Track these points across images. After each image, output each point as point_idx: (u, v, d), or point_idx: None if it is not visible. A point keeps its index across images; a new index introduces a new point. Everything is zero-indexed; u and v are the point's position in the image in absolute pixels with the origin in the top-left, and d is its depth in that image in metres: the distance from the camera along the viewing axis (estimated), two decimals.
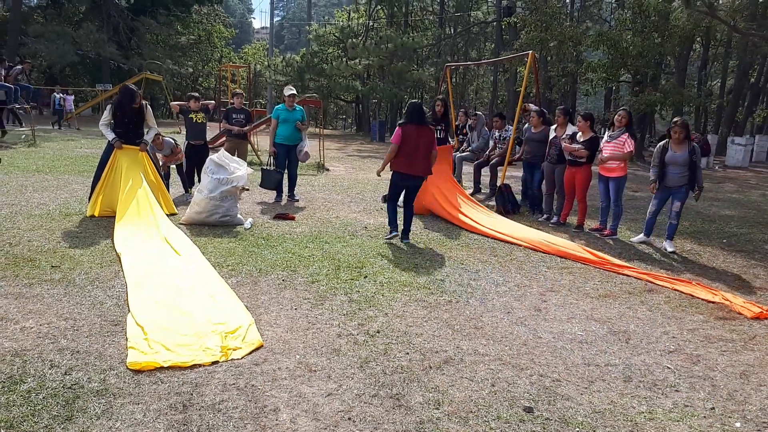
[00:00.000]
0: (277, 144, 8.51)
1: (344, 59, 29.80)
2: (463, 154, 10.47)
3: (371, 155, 19.26)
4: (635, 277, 5.49)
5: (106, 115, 6.89)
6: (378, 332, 3.84)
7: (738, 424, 2.90)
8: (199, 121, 8.49)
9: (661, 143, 6.83)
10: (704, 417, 2.95)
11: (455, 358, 3.49)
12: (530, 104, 9.53)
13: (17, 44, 28.91)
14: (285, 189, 8.79)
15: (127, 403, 2.79)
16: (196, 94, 8.79)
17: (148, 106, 7.19)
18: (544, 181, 8.36)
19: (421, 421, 2.76)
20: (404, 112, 7.08)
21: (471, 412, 2.88)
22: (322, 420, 2.73)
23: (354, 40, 31.56)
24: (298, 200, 8.78)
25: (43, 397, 2.77)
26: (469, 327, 4.04)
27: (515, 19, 24.76)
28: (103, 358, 3.23)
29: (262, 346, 3.52)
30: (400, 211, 6.72)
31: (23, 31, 29.88)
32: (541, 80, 27.24)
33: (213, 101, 11.22)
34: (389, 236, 6.59)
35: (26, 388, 2.84)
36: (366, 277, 5.07)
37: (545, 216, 8.27)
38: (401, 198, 6.68)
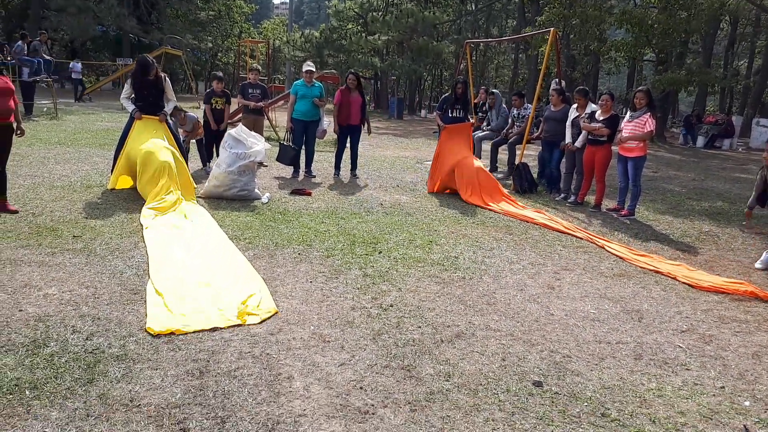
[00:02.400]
0: (295, 120, 8.53)
1: (364, 34, 29.58)
2: (483, 133, 10.41)
3: (388, 132, 19.20)
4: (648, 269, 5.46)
5: (126, 88, 6.94)
6: (391, 306, 3.89)
7: (747, 403, 2.91)
8: (219, 107, 8.59)
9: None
10: (713, 395, 2.97)
11: (467, 333, 3.53)
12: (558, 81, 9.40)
13: (39, 18, 29.09)
14: (302, 165, 8.84)
15: (146, 368, 2.87)
16: (220, 74, 8.88)
17: (167, 79, 7.23)
18: (563, 160, 8.30)
19: (431, 392, 2.81)
20: (344, 80, 9.24)
21: (481, 384, 2.92)
22: (335, 388, 2.79)
23: (375, 14, 31.25)
24: (315, 176, 8.82)
25: (66, 361, 2.87)
26: (482, 303, 4.07)
27: None
28: (123, 325, 3.32)
29: (277, 313, 3.60)
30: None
31: (45, 5, 30.05)
32: (564, 58, 26.84)
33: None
34: (334, 176, 9.00)
35: (49, 352, 2.94)
36: (380, 252, 5.12)
37: (563, 195, 8.22)
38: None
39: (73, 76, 23.32)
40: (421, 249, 5.31)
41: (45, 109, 15.94)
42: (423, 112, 34.83)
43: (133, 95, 6.90)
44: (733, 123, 20.69)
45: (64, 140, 10.86)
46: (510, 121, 9.98)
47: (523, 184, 8.61)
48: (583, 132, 7.65)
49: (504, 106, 10.53)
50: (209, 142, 8.75)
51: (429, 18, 28.29)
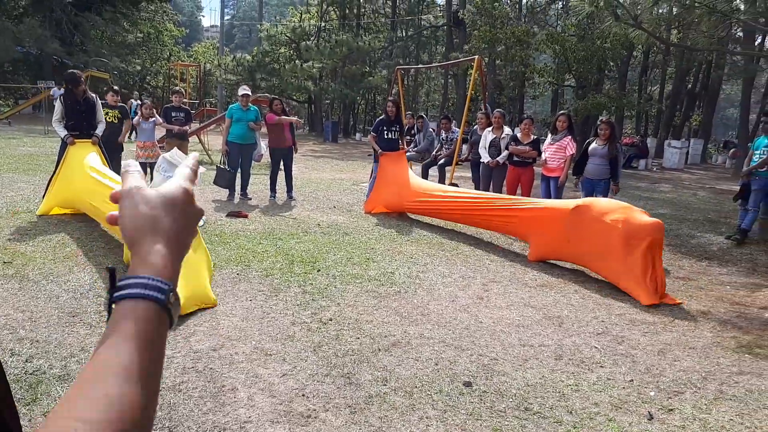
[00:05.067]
0: (231, 143, 8.60)
1: (297, 61, 29.83)
2: (408, 154, 10.71)
3: (324, 155, 19.41)
4: None
5: (57, 110, 6.84)
6: (330, 320, 4.06)
7: (652, 393, 3.25)
8: (109, 120, 7.85)
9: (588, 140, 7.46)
10: (623, 388, 3.30)
11: (402, 342, 3.75)
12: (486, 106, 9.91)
13: None
14: (238, 188, 8.89)
15: None
16: (116, 87, 8.42)
17: (98, 100, 7.18)
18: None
19: (369, 396, 3.00)
20: (270, 104, 9.12)
21: (416, 387, 3.13)
22: (278, 396, 2.93)
23: (307, 42, 31.60)
24: (251, 199, 8.89)
25: None
26: (417, 314, 4.30)
27: (463, 16, 25.31)
28: (63, 347, 3.33)
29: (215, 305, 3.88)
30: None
31: None
32: (490, 83, 27.96)
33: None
34: (270, 198, 9.06)
35: None
36: (319, 270, 5.28)
37: None
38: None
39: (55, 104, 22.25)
40: (359, 266, 5.50)
41: None
42: (358, 135, 35.26)
43: (64, 118, 6.81)
44: (648, 144, 22.13)
45: None
46: (439, 143, 10.40)
47: None
48: (504, 151, 8.12)
49: (431, 129, 10.95)
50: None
51: (363, 48, 28.88)
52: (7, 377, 2.43)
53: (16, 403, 2.47)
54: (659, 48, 29.87)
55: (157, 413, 2.63)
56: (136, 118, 8.86)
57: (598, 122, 7.41)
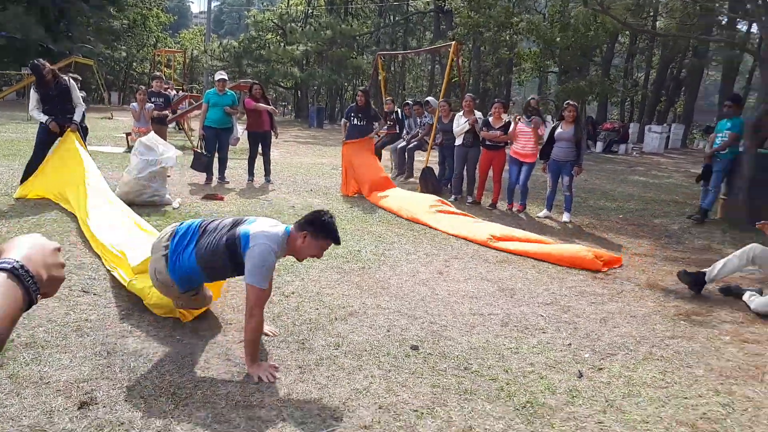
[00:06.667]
0: (207, 127, 8.73)
1: (282, 44, 29.84)
2: (410, 145, 10.76)
3: (308, 141, 19.53)
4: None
5: (32, 99, 6.92)
6: (292, 293, 4.26)
7: (587, 355, 3.48)
8: None
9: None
10: (560, 351, 3.52)
11: (359, 312, 3.96)
12: (429, 98, 10.22)
13: None
14: (216, 171, 9.04)
15: (55, 352, 3.10)
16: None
17: (73, 82, 7.24)
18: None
19: (320, 359, 3.20)
20: (249, 89, 9.23)
21: (365, 351, 3.34)
22: (233, 360, 3.13)
23: (293, 24, 31.59)
24: (228, 182, 9.04)
25: None
26: (377, 288, 4.51)
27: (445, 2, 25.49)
28: (31, 318, 3.50)
29: None
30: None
31: None
32: (475, 70, 28.08)
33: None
34: (247, 181, 9.15)
35: None
36: None
37: (455, 197, 8.74)
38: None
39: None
40: None
41: None
42: (343, 121, 35.37)
43: (40, 104, 6.90)
44: (628, 129, 22.43)
45: None
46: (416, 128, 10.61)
47: (428, 186, 9.18)
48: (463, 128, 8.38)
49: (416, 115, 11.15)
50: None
51: (347, 31, 28.91)
52: None
53: None
54: (645, 36, 30.06)
55: (117, 375, 2.83)
56: (134, 104, 9.12)
57: (564, 105, 7.63)
